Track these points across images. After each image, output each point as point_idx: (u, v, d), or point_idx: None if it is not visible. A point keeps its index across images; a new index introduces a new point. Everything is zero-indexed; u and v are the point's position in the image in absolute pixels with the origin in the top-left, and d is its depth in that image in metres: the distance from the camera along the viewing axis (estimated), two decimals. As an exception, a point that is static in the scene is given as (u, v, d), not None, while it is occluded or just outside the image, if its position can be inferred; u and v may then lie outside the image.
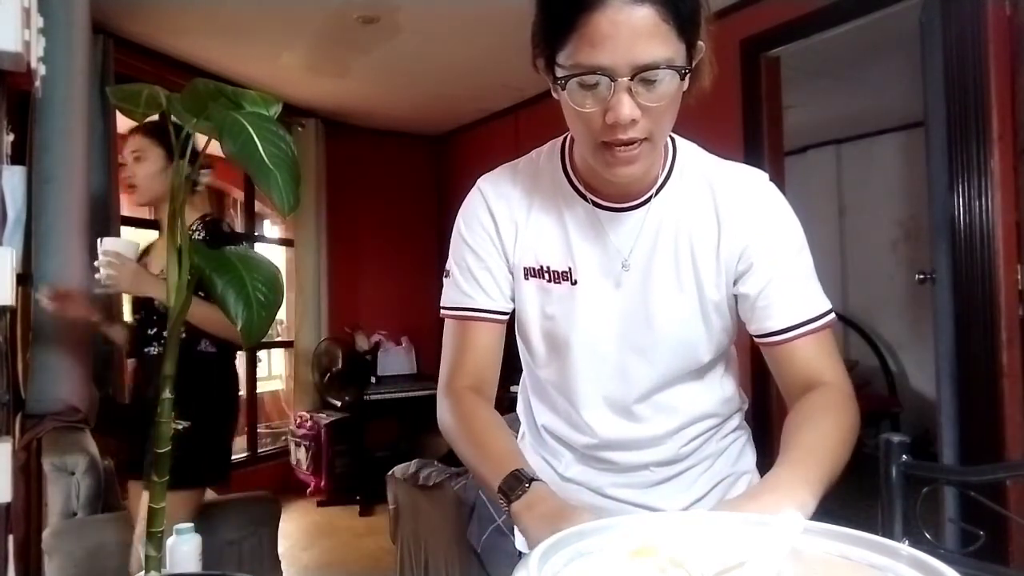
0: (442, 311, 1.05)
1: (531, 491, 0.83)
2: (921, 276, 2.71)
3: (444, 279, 1.06)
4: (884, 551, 0.58)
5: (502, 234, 1.01)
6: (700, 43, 0.85)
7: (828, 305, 0.96)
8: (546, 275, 0.99)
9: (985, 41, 2.26)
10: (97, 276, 1.92)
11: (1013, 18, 2.23)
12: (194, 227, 2.07)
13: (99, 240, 1.99)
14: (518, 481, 0.84)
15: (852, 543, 0.60)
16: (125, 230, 3.83)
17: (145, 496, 1.95)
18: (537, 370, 1.06)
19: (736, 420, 1.10)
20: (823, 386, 0.92)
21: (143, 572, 0.83)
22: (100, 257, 1.93)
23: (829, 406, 0.90)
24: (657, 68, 0.78)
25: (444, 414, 1.01)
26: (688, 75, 0.83)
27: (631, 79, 0.78)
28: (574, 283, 0.98)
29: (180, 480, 1.95)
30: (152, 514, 0.81)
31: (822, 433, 0.86)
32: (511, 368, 1.16)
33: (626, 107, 0.79)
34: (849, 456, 0.86)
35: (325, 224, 5.02)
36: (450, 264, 1.05)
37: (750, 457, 1.12)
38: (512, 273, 1.02)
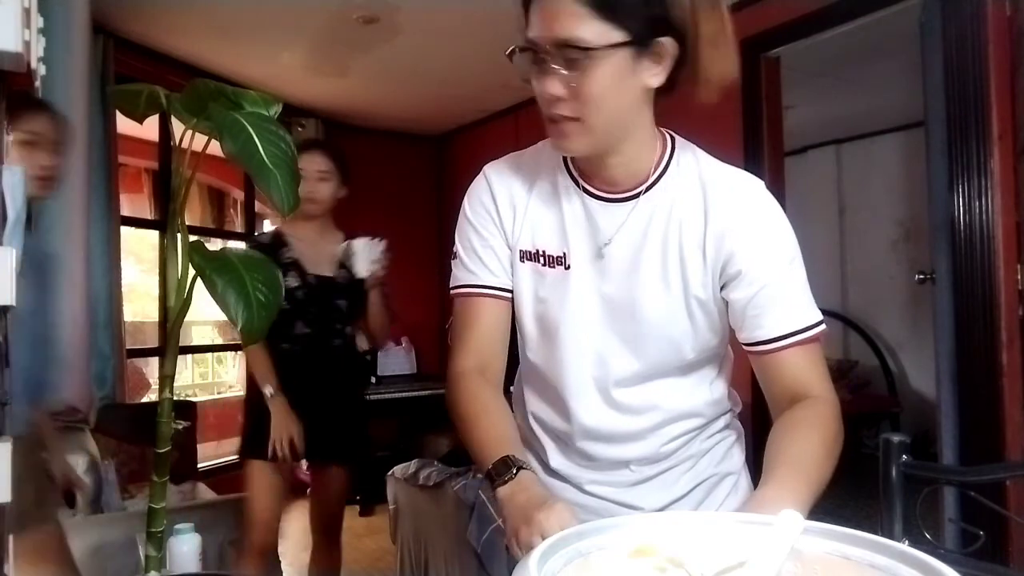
0: (451, 291, 1.07)
1: (517, 479, 0.86)
2: (921, 276, 2.71)
3: (452, 261, 1.08)
4: (884, 551, 0.58)
5: (502, 216, 1.03)
6: (660, 40, 0.85)
7: (819, 316, 0.96)
8: (541, 259, 1.02)
9: (985, 41, 2.26)
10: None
11: (1013, 18, 2.23)
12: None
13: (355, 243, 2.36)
14: (506, 467, 0.87)
15: (852, 543, 0.61)
16: (125, 230, 3.83)
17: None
18: (528, 353, 1.08)
19: (723, 421, 1.09)
20: (808, 399, 0.92)
21: (143, 572, 0.83)
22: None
23: (814, 421, 0.90)
24: (569, 47, 0.83)
25: (449, 396, 1.04)
26: (603, 60, 0.83)
27: (552, 56, 0.84)
28: (568, 268, 1.00)
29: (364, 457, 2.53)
30: (152, 514, 0.80)
31: (807, 449, 0.87)
32: (513, 367, 1.16)
33: (546, 82, 0.85)
34: (833, 470, 0.87)
35: (325, 224, 5.01)
36: (456, 246, 1.08)
37: (737, 458, 1.11)
38: (511, 256, 1.04)
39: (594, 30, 0.82)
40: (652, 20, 0.84)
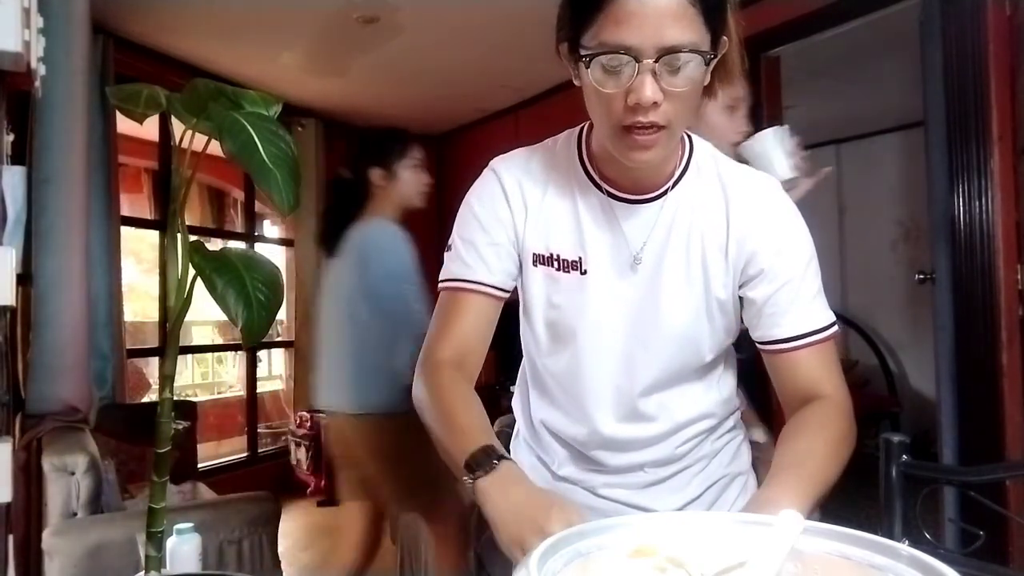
0: (440, 284, 1.03)
1: (499, 469, 0.80)
2: (921, 276, 2.70)
3: (446, 253, 1.04)
4: (884, 551, 0.58)
5: (514, 214, 1.00)
6: (724, 38, 0.86)
7: (832, 317, 0.96)
8: (555, 263, 0.99)
9: (985, 41, 2.26)
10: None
11: (1013, 18, 2.23)
12: None
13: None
14: (487, 456, 0.81)
15: (852, 543, 0.60)
16: (125, 230, 3.83)
17: None
18: (540, 359, 1.05)
19: (732, 421, 1.10)
20: (820, 400, 0.92)
21: (143, 572, 0.83)
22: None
23: (822, 421, 0.90)
24: (682, 51, 0.79)
25: (418, 387, 0.98)
26: (711, 64, 0.83)
27: (655, 61, 0.79)
28: (583, 273, 0.97)
29: None
30: (152, 514, 0.80)
31: (812, 450, 0.87)
32: (514, 366, 1.15)
33: (648, 89, 0.80)
34: (841, 470, 0.87)
35: (325, 224, 5.01)
36: (454, 238, 1.03)
37: (745, 458, 1.12)
38: (520, 256, 1.01)
39: (700, 33, 0.80)
40: (725, 19, 0.85)
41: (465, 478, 0.82)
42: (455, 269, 1.02)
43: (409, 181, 2.49)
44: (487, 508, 0.79)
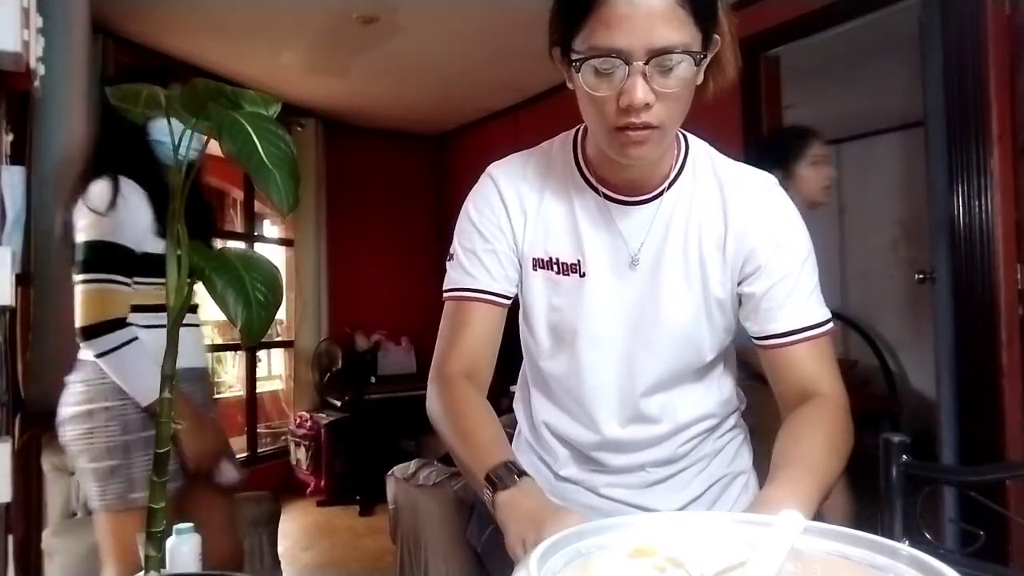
0: (444, 294, 1.04)
1: (520, 485, 0.82)
2: (921, 276, 2.71)
3: (447, 262, 1.05)
4: (884, 551, 0.58)
5: (512, 221, 1.00)
6: (716, 36, 0.86)
7: (828, 314, 0.97)
8: (555, 267, 0.99)
9: (985, 41, 2.26)
10: None
11: (1013, 18, 2.23)
12: None
13: None
14: (509, 473, 0.83)
15: (852, 543, 0.60)
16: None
17: None
18: (541, 362, 1.05)
19: (733, 420, 1.10)
20: (818, 397, 0.92)
21: (143, 572, 0.82)
22: None
23: (823, 420, 0.90)
24: (672, 52, 0.79)
25: (432, 399, 0.99)
26: (702, 63, 0.83)
27: (646, 63, 0.79)
28: (582, 276, 0.98)
29: None
30: (152, 514, 0.80)
31: (816, 448, 0.86)
32: (513, 366, 1.15)
33: (640, 91, 0.80)
34: (842, 469, 0.87)
35: (325, 224, 5.02)
36: (455, 247, 1.04)
37: (746, 457, 1.12)
38: (520, 261, 1.02)
39: (691, 33, 0.80)
40: (716, 18, 0.85)
41: (485, 490, 0.84)
42: (458, 278, 1.03)
43: (809, 179, 2.45)
44: (501, 517, 0.81)
